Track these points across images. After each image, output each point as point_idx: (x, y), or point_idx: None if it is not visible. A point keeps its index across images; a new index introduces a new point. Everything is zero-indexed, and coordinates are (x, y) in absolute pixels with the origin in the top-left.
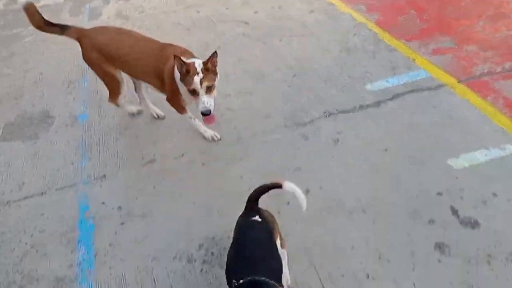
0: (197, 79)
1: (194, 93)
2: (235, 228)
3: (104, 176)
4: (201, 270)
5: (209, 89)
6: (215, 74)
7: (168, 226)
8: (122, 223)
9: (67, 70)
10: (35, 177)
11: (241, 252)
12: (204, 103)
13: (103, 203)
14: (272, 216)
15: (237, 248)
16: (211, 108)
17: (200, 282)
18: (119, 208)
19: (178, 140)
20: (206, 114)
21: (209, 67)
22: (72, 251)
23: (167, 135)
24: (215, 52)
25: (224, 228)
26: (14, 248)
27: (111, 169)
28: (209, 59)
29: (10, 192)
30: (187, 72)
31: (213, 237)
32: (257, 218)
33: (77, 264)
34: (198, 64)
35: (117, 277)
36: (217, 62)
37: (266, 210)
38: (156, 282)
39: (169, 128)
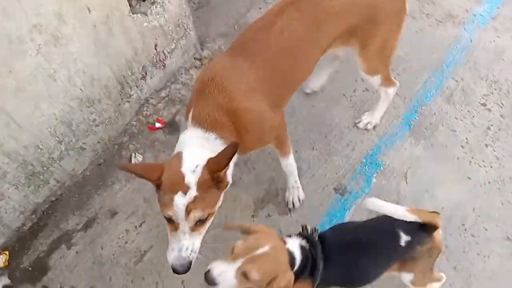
0: (180, 200)
1: (170, 221)
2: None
3: None
4: None
5: (200, 223)
6: (221, 187)
7: None
8: None
9: None
10: None
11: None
12: (180, 250)
13: None
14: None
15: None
16: (191, 258)
17: None
18: None
19: None
20: (176, 271)
21: (215, 177)
22: None
23: None
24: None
25: None
26: None
27: None
28: (223, 155)
29: None
30: (158, 180)
31: None
32: (405, 237)
33: None
34: (193, 166)
35: None
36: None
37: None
38: None
39: None
